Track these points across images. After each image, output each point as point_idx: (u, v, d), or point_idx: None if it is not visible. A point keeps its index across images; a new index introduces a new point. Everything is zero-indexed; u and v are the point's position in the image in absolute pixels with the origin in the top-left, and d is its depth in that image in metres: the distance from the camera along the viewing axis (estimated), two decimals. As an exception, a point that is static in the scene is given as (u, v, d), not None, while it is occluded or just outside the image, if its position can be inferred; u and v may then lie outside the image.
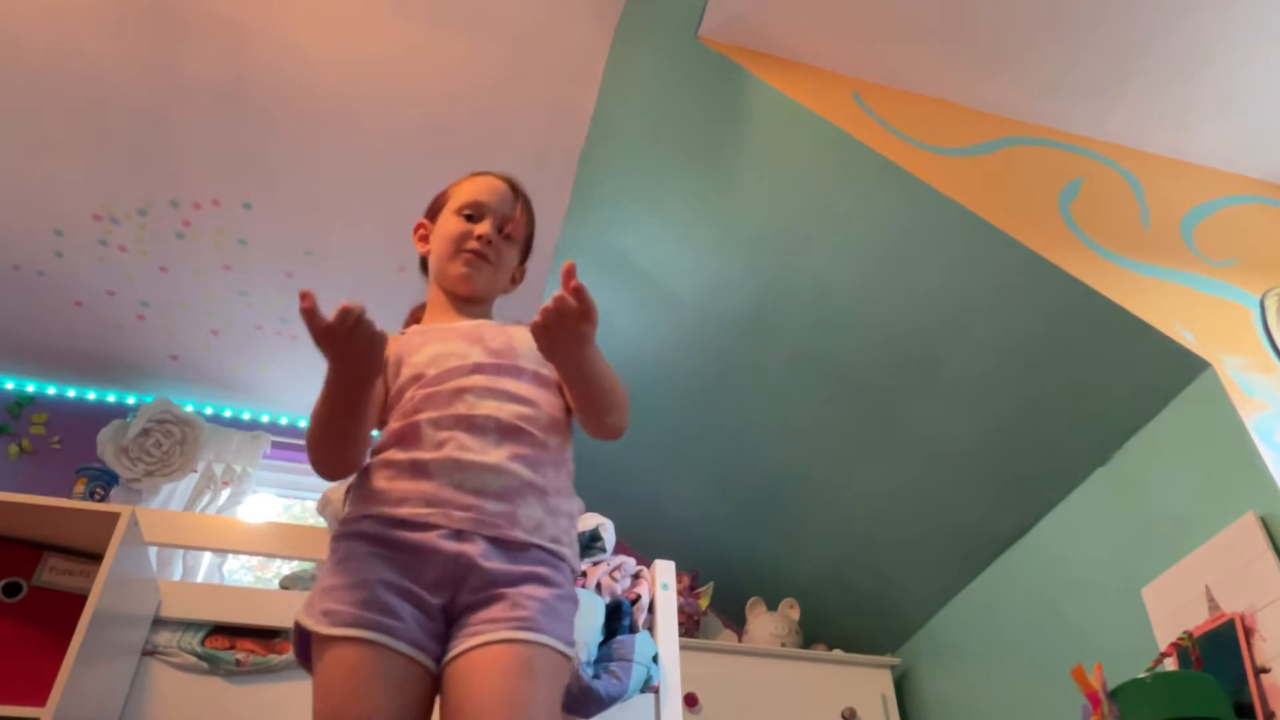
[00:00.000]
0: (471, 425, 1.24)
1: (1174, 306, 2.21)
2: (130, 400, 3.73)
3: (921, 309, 2.47)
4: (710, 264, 2.84)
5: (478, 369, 1.32)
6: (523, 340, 1.37)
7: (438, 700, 1.14)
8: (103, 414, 3.61)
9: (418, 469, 1.21)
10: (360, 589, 1.14)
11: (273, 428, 3.84)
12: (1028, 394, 2.42)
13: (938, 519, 2.84)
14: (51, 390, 3.69)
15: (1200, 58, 2.36)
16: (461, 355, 1.34)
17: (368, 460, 1.28)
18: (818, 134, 2.35)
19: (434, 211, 1.57)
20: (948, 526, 2.83)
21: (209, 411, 3.78)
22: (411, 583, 1.15)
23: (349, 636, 1.10)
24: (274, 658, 1.96)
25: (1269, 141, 2.55)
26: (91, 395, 3.71)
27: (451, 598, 1.16)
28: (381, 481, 1.22)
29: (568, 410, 1.37)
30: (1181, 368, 2.14)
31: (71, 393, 3.70)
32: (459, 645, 1.12)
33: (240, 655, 1.95)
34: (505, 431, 1.25)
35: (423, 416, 1.25)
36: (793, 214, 2.56)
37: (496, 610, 1.14)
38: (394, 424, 1.28)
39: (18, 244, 3.20)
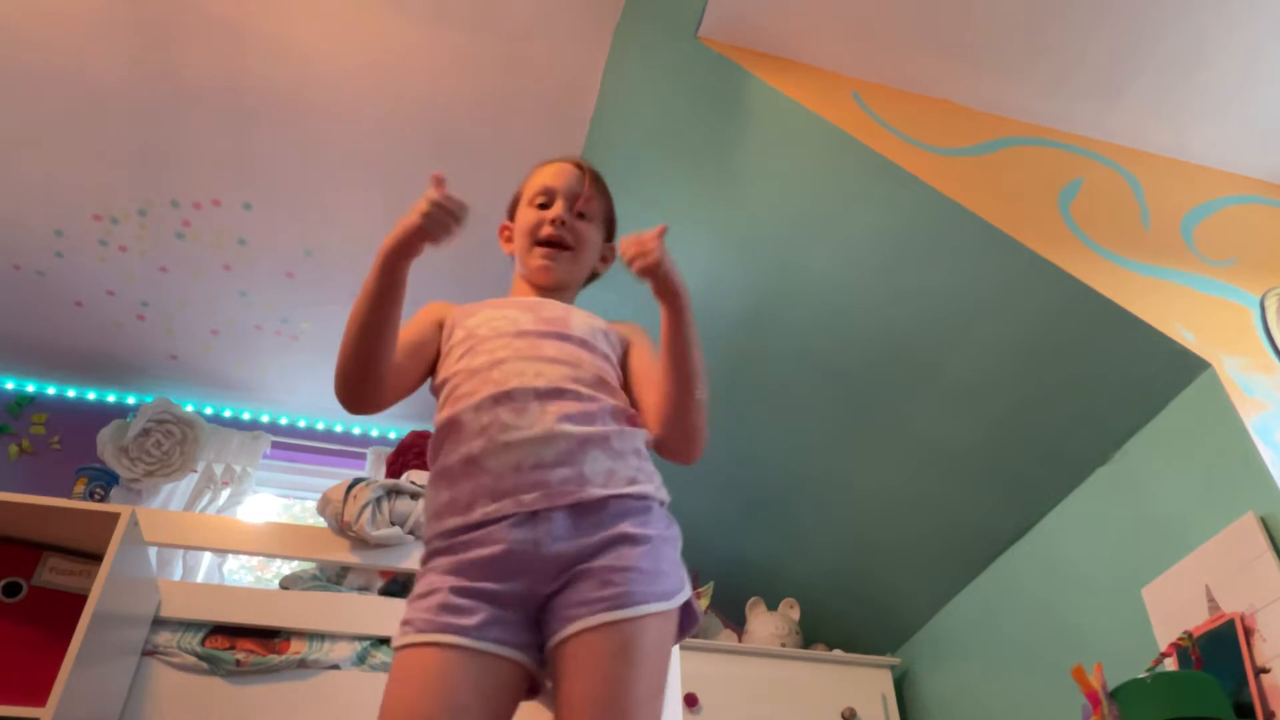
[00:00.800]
0: (509, 400, 1.21)
1: (1174, 306, 2.21)
2: (130, 400, 3.73)
3: (921, 309, 2.47)
4: (710, 263, 2.84)
5: (521, 334, 1.31)
6: (582, 318, 1.38)
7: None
8: (103, 414, 3.61)
9: (472, 465, 1.19)
10: (432, 597, 1.13)
11: (273, 428, 3.84)
12: (1028, 394, 2.42)
13: (938, 519, 2.84)
14: (51, 390, 3.69)
15: (1200, 58, 2.36)
16: (512, 320, 1.34)
17: (425, 470, 1.29)
18: (818, 134, 2.35)
19: (512, 210, 1.58)
20: (948, 526, 2.83)
21: (209, 411, 3.78)
22: (484, 582, 1.13)
23: (422, 642, 1.10)
24: (274, 658, 1.96)
25: (1269, 141, 2.55)
26: (91, 395, 3.71)
27: (530, 588, 1.14)
28: (445, 492, 1.21)
29: (623, 383, 1.36)
30: (1181, 368, 2.14)
31: (71, 393, 3.71)
32: (556, 633, 1.11)
33: (240, 655, 1.95)
34: (545, 396, 1.22)
35: (461, 405, 1.23)
36: (793, 214, 2.56)
37: (584, 590, 1.11)
38: (437, 416, 1.27)
39: (18, 244, 3.21)
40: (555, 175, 1.52)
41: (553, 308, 1.39)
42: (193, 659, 1.93)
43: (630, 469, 1.23)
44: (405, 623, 1.14)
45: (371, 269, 1.24)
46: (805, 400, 2.89)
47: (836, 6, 2.32)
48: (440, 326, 1.38)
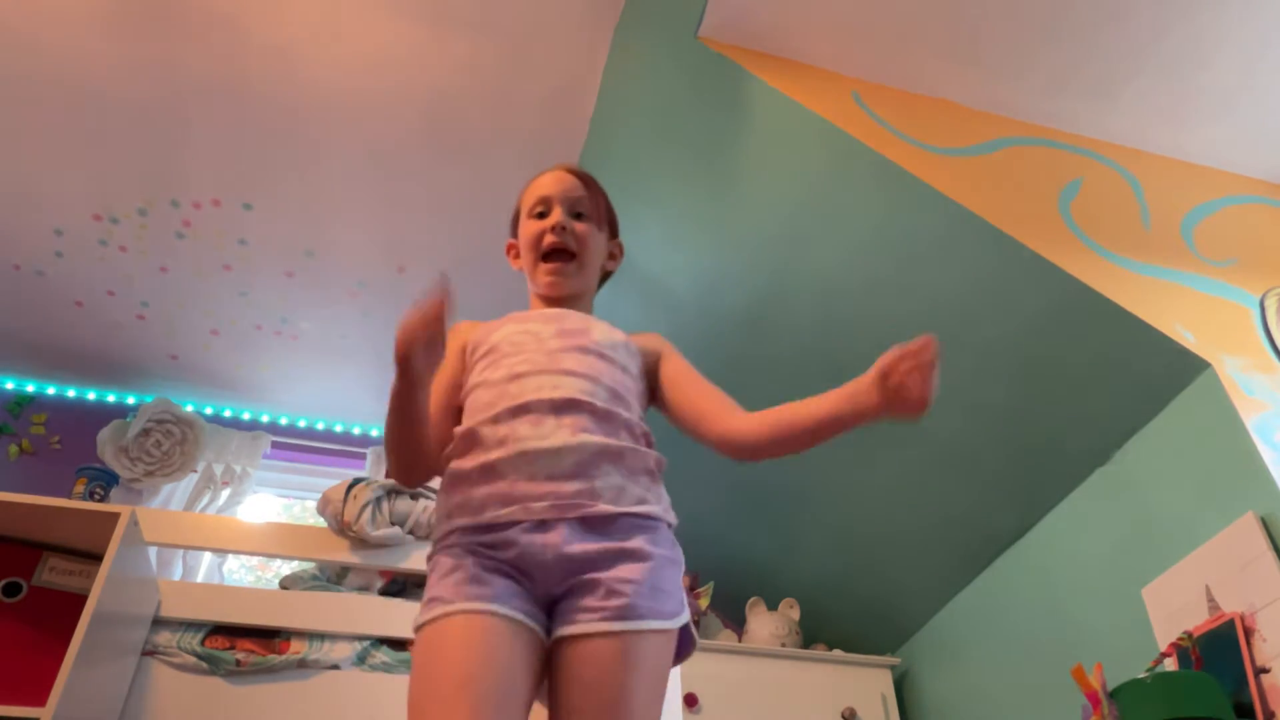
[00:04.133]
0: (525, 412, 1.23)
1: (1174, 306, 2.21)
2: (130, 400, 3.73)
3: (921, 308, 2.47)
4: (710, 263, 2.84)
5: (541, 348, 1.33)
6: (603, 329, 1.40)
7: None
8: (103, 414, 3.61)
9: (488, 471, 1.21)
10: (456, 573, 1.15)
11: (273, 428, 3.84)
12: (1027, 393, 2.42)
13: (938, 518, 2.84)
14: (51, 390, 3.69)
15: (1200, 58, 2.36)
16: (534, 334, 1.36)
17: (438, 471, 1.31)
18: (818, 134, 2.34)
19: (514, 227, 1.59)
20: (948, 526, 2.83)
21: (209, 411, 3.78)
22: (505, 570, 1.16)
23: (455, 611, 1.11)
24: (274, 658, 1.96)
25: (1269, 141, 2.55)
26: (91, 395, 3.71)
27: (543, 586, 1.16)
28: (458, 494, 1.23)
29: (648, 393, 1.41)
30: (1181, 368, 2.14)
31: (71, 393, 3.71)
32: (560, 631, 1.13)
33: (240, 655, 1.95)
34: (561, 408, 1.24)
35: (480, 418, 1.26)
36: (793, 214, 2.56)
37: (589, 598, 1.13)
38: (458, 429, 1.29)
39: (18, 244, 3.20)
40: (549, 184, 1.53)
41: (574, 319, 1.41)
42: (193, 659, 1.93)
43: (640, 488, 1.25)
44: (433, 600, 1.15)
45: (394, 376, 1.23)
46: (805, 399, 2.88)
47: (836, 6, 2.32)
48: (464, 353, 1.40)
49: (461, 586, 1.13)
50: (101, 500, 3.11)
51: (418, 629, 1.15)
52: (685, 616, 1.20)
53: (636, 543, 1.18)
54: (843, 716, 2.93)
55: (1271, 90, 2.42)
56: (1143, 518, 2.25)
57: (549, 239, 1.47)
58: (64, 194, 3.07)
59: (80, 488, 3.12)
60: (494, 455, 1.21)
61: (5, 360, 3.62)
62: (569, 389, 1.26)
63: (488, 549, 1.17)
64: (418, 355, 1.17)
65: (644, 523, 1.22)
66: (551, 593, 1.16)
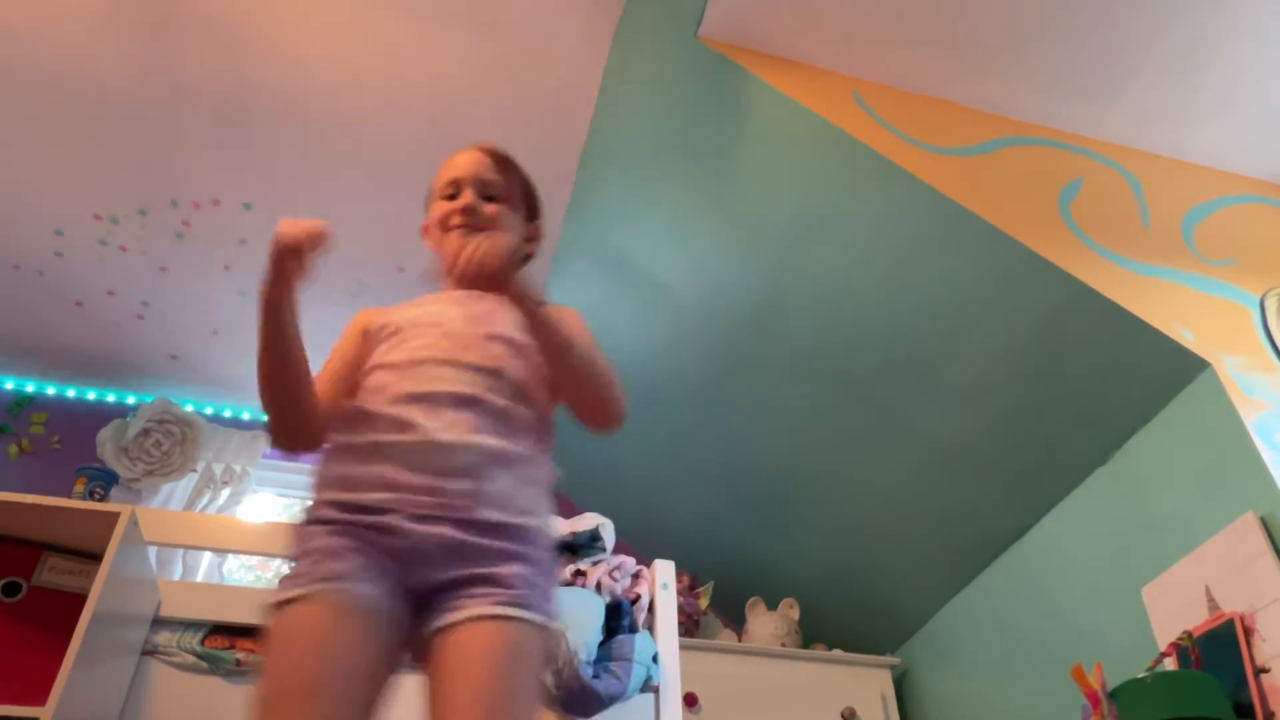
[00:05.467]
0: (423, 401, 1.20)
1: (1174, 306, 2.21)
2: (130, 400, 3.73)
3: (921, 308, 2.47)
4: (710, 263, 2.84)
5: (446, 333, 1.29)
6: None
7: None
8: (103, 414, 3.61)
9: (374, 451, 1.17)
10: (315, 554, 1.12)
11: (273, 427, 3.83)
12: (1027, 393, 2.42)
13: (938, 518, 2.84)
14: (51, 390, 3.69)
15: (1200, 57, 2.36)
16: (440, 317, 1.33)
17: (326, 443, 1.26)
18: (818, 134, 2.35)
19: (427, 208, 1.55)
20: (948, 526, 2.83)
21: (209, 411, 3.78)
22: (372, 549, 1.12)
23: (311, 595, 1.07)
24: (274, 657, 1.96)
25: (1269, 141, 2.55)
26: (91, 395, 3.71)
27: (420, 574, 1.12)
28: (339, 466, 1.20)
29: (550, 382, 1.33)
30: (1181, 368, 2.14)
31: (71, 393, 3.70)
32: (443, 619, 1.09)
33: (240, 655, 1.95)
34: (462, 403, 1.21)
35: (377, 399, 1.22)
36: (793, 214, 2.56)
37: (479, 587, 1.10)
38: (353, 403, 1.25)
39: (18, 244, 3.20)
40: (461, 165, 1.49)
41: (484, 303, 1.35)
42: (192, 659, 1.93)
43: (528, 499, 1.21)
44: (293, 578, 1.11)
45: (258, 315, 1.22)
46: (805, 400, 2.89)
47: (836, 6, 2.32)
48: (366, 335, 1.36)
49: (324, 564, 1.10)
50: (101, 500, 3.11)
51: (275, 606, 1.09)
52: (558, 627, 1.19)
53: (518, 547, 1.15)
54: (842, 716, 2.93)
55: (1271, 90, 2.42)
56: (1143, 518, 2.25)
57: (456, 219, 1.43)
58: (64, 194, 3.07)
59: (80, 487, 3.12)
60: (384, 438, 1.17)
61: (5, 360, 3.62)
62: (470, 384, 1.23)
63: (362, 528, 1.13)
64: (290, 255, 1.17)
65: (525, 533, 1.18)
66: (431, 578, 1.12)
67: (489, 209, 1.45)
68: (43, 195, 3.07)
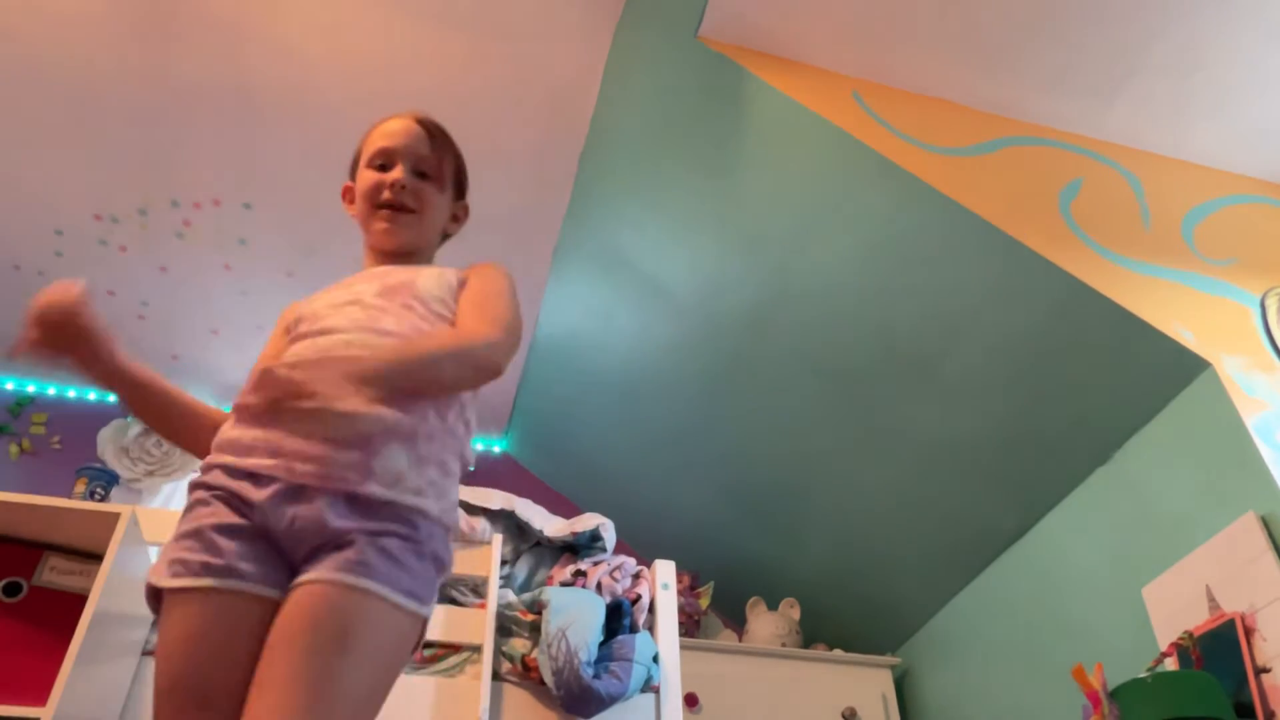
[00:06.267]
0: (329, 367, 1.12)
1: (1174, 306, 2.21)
2: (130, 400, 3.72)
3: (921, 308, 2.47)
4: (710, 264, 2.84)
5: (359, 305, 1.26)
6: (430, 277, 1.32)
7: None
8: (103, 414, 3.61)
9: (268, 413, 1.12)
10: (200, 536, 1.08)
11: (273, 428, 3.83)
12: (1028, 393, 2.42)
13: (938, 519, 2.84)
14: (51, 390, 3.69)
15: (1199, 57, 2.36)
16: (353, 292, 1.30)
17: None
18: (818, 134, 2.35)
19: (353, 170, 1.50)
20: (948, 526, 2.83)
21: (209, 411, 3.78)
22: (254, 530, 1.09)
23: (188, 587, 1.05)
24: (274, 657, 1.96)
25: (1269, 141, 2.55)
26: (91, 395, 3.71)
27: (290, 554, 1.09)
28: (233, 429, 1.16)
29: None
30: (1181, 367, 2.14)
31: (71, 393, 3.71)
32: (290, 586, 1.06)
33: (240, 655, 1.94)
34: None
35: (280, 361, 1.19)
36: (793, 213, 2.56)
37: (335, 555, 1.05)
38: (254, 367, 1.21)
39: (18, 244, 3.20)
40: (394, 135, 1.44)
41: (399, 274, 1.32)
42: (193, 659, 1.92)
43: (422, 479, 1.14)
44: (169, 561, 1.08)
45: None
46: (805, 400, 2.89)
47: (836, 6, 2.32)
48: (288, 330, 1.33)
49: (208, 551, 1.06)
50: (102, 500, 3.11)
51: (160, 592, 1.07)
52: (424, 614, 1.10)
53: (403, 528, 1.09)
54: (843, 716, 2.93)
55: (1271, 90, 2.42)
56: (1143, 517, 2.25)
57: (386, 194, 1.40)
58: (64, 194, 3.07)
59: (81, 488, 3.12)
60: (281, 395, 1.08)
61: (5, 360, 3.62)
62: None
63: (242, 502, 1.09)
64: (57, 336, 1.18)
65: (413, 517, 1.11)
66: (299, 556, 1.08)
67: (421, 186, 1.41)
68: (43, 195, 3.07)
